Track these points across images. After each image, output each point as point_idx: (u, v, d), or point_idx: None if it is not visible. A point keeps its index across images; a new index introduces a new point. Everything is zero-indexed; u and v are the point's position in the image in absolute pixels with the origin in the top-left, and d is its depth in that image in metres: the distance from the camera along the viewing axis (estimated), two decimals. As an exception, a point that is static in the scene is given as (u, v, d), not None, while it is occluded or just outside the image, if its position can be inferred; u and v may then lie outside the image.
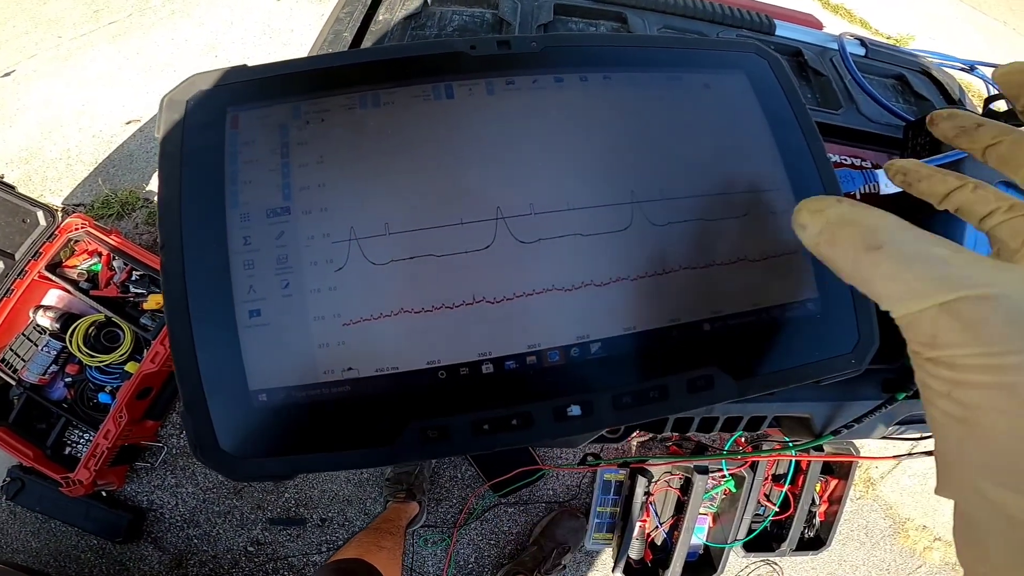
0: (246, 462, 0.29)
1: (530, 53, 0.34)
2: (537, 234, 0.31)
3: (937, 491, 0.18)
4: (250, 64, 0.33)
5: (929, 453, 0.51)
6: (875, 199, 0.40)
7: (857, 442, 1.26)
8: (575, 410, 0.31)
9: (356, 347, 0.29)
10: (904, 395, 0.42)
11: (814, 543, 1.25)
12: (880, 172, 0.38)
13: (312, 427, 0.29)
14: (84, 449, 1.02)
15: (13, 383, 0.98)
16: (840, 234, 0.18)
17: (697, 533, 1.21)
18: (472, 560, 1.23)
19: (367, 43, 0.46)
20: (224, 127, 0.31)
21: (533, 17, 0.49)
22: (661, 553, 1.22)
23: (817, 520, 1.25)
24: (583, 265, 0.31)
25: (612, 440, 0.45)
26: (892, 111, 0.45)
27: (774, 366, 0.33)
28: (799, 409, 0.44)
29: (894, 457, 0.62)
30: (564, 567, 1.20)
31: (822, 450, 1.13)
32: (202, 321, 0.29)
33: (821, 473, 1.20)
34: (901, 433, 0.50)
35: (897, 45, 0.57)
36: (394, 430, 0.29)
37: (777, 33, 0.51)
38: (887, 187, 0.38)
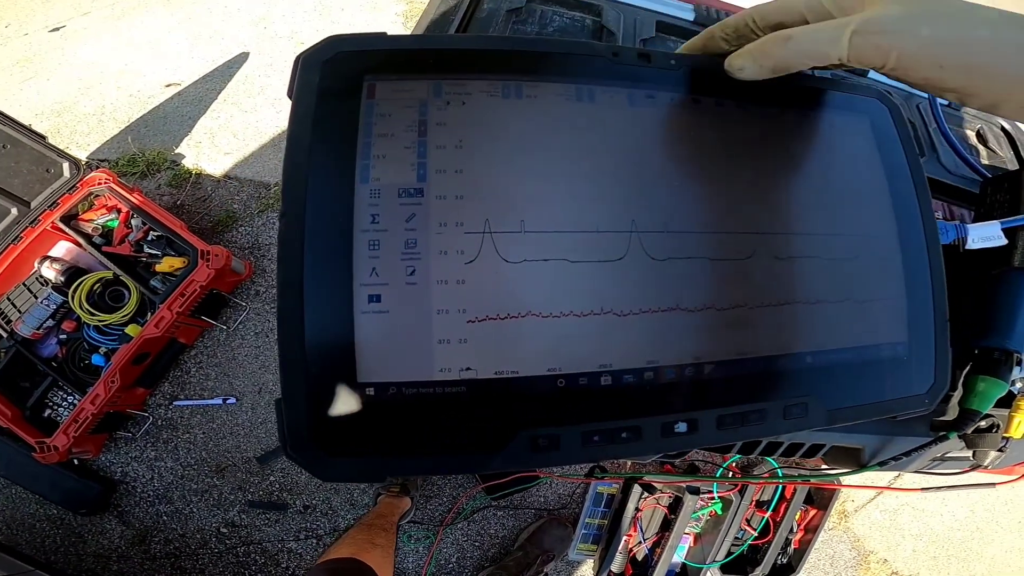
0: (341, 461, 0.27)
1: (669, 70, 0.33)
2: (668, 252, 0.31)
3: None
4: (389, 33, 0.31)
5: (939, 488, 0.54)
6: (955, 252, 0.41)
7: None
8: (681, 427, 0.30)
9: (478, 346, 0.28)
10: (955, 434, 0.44)
11: (784, 570, 1.29)
12: (969, 227, 0.40)
13: (419, 428, 0.28)
14: (65, 413, 0.96)
15: (4, 335, 0.91)
16: (768, 48, 0.29)
17: (678, 552, 1.23)
18: (454, 560, 1.22)
19: (472, 30, 0.45)
20: (361, 95, 0.29)
21: (636, 30, 0.49)
22: (641, 569, 1.24)
23: (791, 547, 1.29)
24: (708, 288, 0.31)
25: (673, 455, 0.45)
26: (973, 166, 0.47)
27: (861, 399, 0.34)
28: (856, 440, 0.46)
29: (875, 488, 0.65)
30: (546, 575, 1.19)
31: (808, 480, 1.17)
32: (316, 301, 0.28)
33: (803, 502, 1.24)
34: (934, 468, 0.52)
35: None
36: (504, 436, 0.28)
37: (869, 75, 0.52)
38: (973, 243, 0.40)
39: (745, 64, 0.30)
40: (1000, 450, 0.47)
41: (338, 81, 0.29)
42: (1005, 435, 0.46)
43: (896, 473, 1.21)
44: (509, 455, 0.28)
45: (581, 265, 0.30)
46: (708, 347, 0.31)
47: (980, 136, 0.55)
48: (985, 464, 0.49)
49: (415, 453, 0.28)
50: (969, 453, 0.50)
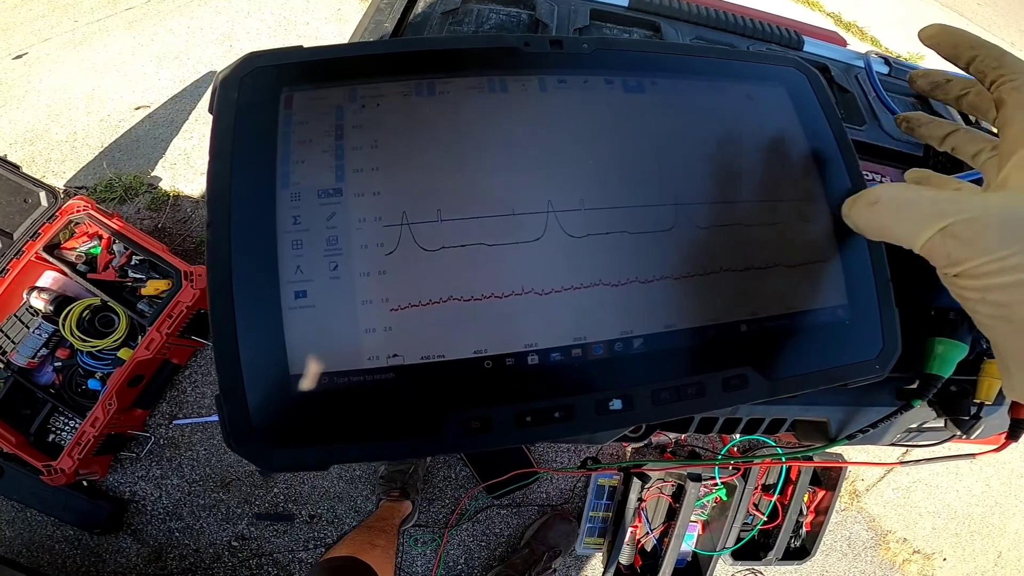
0: (282, 452, 0.28)
1: (581, 54, 0.34)
2: (586, 229, 0.31)
3: (1005, 391, 0.22)
4: (305, 45, 0.32)
5: (917, 461, 0.53)
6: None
7: (847, 452, 1.28)
8: (616, 404, 0.31)
9: (403, 333, 0.29)
10: (919, 402, 0.43)
11: (799, 553, 1.27)
12: (906, 187, 0.40)
13: (353, 415, 0.29)
14: (69, 437, 0.99)
15: (1, 366, 0.95)
16: (854, 206, 0.26)
17: (687, 540, 1.22)
18: (462, 561, 1.22)
19: (407, 35, 0.46)
20: (278, 107, 0.31)
21: (570, 20, 0.50)
22: (651, 559, 1.23)
23: (803, 530, 1.27)
24: (629, 262, 0.32)
25: (634, 439, 0.45)
26: (914, 130, 0.47)
27: (804, 368, 0.34)
28: (817, 413, 0.46)
29: (883, 464, 0.64)
30: (554, 571, 1.19)
31: (811, 458, 1.15)
32: (246, 301, 0.29)
33: (809, 484, 1.22)
34: (910, 440, 0.52)
35: (912, 63, 0.60)
36: (437, 420, 0.29)
37: (805, 49, 0.53)
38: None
39: (848, 214, 0.28)
40: (974, 417, 0.46)
41: (256, 95, 0.31)
42: (976, 400, 0.45)
43: (904, 449, 1.19)
44: (444, 438, 0.29)
45: (499, 248, 0.30)
46: (635, 321, 0.32)
47: (922, 100, 0.54)
48: (959, 432, 0.48)
49: (354, 440, 0.29)
50: (942, 422, 0.49)
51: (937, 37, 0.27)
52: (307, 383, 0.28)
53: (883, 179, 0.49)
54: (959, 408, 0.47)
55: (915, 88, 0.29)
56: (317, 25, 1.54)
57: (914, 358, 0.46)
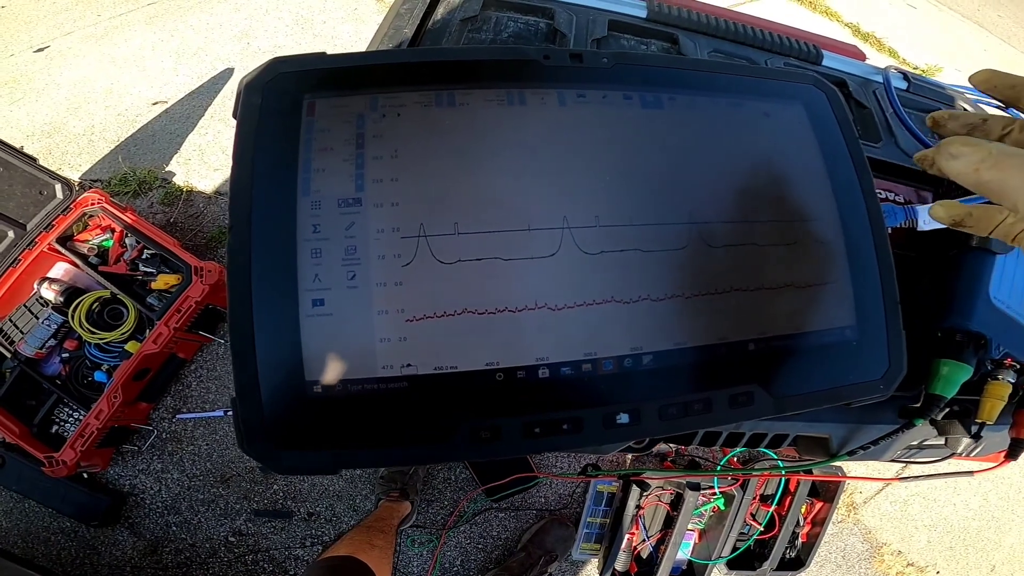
0: (293, 454, 0.29)
1: (601, 68, 0.34)
2: (600, 246, 0.32)
3: None
4: (325, 47, 0.33)
5: (916, 478, 0.53)
6: (913, 235, 0.41)
7: (846, 465, 1.28)
8: (623, 418, 0.31)
9: (417, 344, 0.30)
10: (922, 421, 0.44)
11: (794, 563, 1.27)
12: (919, 208, 0.40)
13: (365, 421, 0.29)
14: (72, 428, 0.99)
15: (8, 355, 0.95)
16: (1007, 161, 0.20)
17: (683, 548, 1.22)
18: (458, 563, 1.22)
19: (425, 41, 0.47)
20: (300, 114, 0.31)
21: (588, 31, 0.50)
22: (646, 567, 1.23)
23: (799, 541, 1.27)
24: (642, 280, 0.32)
25: (638, 450, 0.46)
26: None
27: (810, 387, 0.34)
28: (820, 429, 0.46)
29: (882, 479, 0.64)
30: (550, 575, 1.19)
31: (811, 472, 1.16)
32: (264, 307, 0.29)
33: (807, 495, 1.22)
34: (910, 456, 0.52)
35: (930, 78, 0.60)
36: (447, 428, 0.30)
37: (824, 63, 0.53)
38: (925, 224, 0.40)
39: (965, 152, 0.21)
40: (975, 436, 0.46)
41: (279, 101, 0.31)
42: (978, 420, 0.45)
43: (902, 464, 1.19)
44: (453, 446, 0.30)
45: (514, 263, 0.31)
46: (645, 338, 0.32)
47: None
48: (959, 451, 0.48)
49: (364, 446, 0.29)
50: (942, 440, 0.49)
51: (992, 80, 0.26)
52: (321, 389, 0.29)
53: (896, 197, 0.49)
54: (961, 428, 0.47)
55: (944, 133, 0.25)
56: (334, 24, 1.56)
57: (918, 377, 0.46)
